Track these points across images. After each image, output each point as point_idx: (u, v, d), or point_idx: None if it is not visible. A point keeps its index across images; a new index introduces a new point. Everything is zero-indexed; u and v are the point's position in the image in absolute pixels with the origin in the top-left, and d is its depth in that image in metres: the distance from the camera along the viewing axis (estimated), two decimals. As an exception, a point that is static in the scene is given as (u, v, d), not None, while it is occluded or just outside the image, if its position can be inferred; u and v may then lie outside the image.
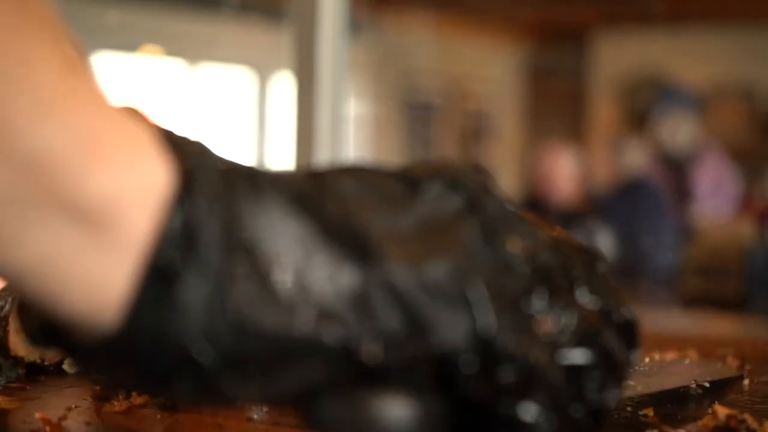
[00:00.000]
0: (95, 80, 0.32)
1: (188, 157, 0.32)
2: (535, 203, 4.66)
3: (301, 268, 0.32)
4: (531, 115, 7.54)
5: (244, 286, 0.31)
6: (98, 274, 0.31)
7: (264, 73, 5.95)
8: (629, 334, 0.38)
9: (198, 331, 0.31)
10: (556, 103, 7.39)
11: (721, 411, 0.51)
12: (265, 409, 0.56)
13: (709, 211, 4.18)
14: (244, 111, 5.99)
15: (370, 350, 0.32)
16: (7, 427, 0.50)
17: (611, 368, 0.37)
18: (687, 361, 0.75)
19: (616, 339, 0.37)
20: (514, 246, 0.36)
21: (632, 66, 6.79)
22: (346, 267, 0.33)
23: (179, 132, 0.34)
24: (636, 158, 4.03)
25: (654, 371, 0.63)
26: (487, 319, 0.33)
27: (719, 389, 0.64)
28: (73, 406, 0.51)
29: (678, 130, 4.08)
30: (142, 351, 0.31)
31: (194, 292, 0.31)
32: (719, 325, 1.46)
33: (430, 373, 0.34)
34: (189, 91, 5.68)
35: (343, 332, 0.32)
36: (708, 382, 0.64)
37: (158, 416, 0.53)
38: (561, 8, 6.27)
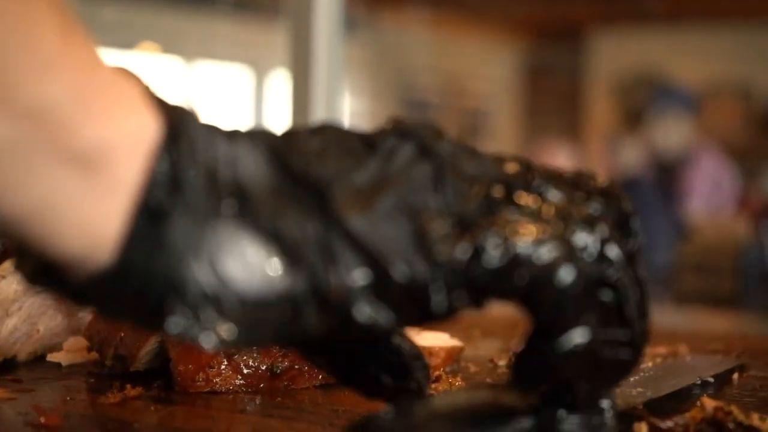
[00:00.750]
0: (91, 41, 0.35)
1: (174, 110, 0.36)
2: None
3: (275, 216, 0.35)
4: (528, 113, 7.54)
5: (225, 227, 0.34)
6: (93, 215, 0.33)
7: (260, 71, 5.95)
8: (623, 215, 0.41)
9: (184, 267, 0.34)
10: (553, 101, 7.39)
11: (709, 403, 0.52)
12: (257, 401, 0.56)
13: (704, 210, 4.18)
14: (241, 108, 5.99)
15: (337, 292, 0.35)
16: (2, 419, 0.50)
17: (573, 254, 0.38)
18: (688, 358, 0.75)
19: (587, 236, 0.39)
20: (462, 180, 0.38)
21: (629, 64, 6.79)
22: (311, 218, 0.36)
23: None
24: (631, 156, 4.03)
25: (659, 374, 0.63)
26: (440, 248, 0.36)
27: (722, 382, 0.65)
28: (68, 398, 0.51)
29: (672, 132, 4.08)
30: (133, 285, 0.34)
31: (181, 231, 0.34)
32: (712, 322, 1.47)
33: (401, 296, 0.36)
34: (186, 88, 5.67)
35: (310, 277, 0.35)
36: (712, 376, 0.64)
37: (152, 408, 0.53)
38: (558, 6, 6.27)
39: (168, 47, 5.44)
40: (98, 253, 0.33)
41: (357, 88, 6.50)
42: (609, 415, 0.45)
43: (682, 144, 4.13)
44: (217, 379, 0.57)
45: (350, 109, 6.52)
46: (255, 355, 0.59)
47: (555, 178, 0.41)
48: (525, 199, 0.39)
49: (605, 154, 4.47)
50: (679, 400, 0.56)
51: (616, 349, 0.40)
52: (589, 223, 0.39)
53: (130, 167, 0.34)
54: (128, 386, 0.56)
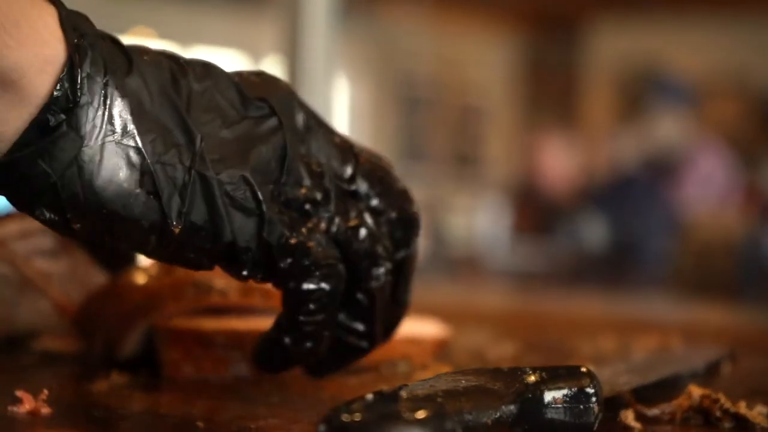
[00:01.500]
0: None
1: (84, 38, 0.43)
2: (529, 191, 4.67)
3: (153, 152, 0.43)
4: (526, 104, 7.54)
5: (107, 149, 0.42)
6: (1, 119, 0.41)
7: (255, 57, 5.94)
8: (407, 226, 0.52)
9: (62, 174, 0.42)
10: (551, 93, 7.39)
11: (696, 391, 0.52)
12: (243, 388, 0.56)
13: (701, 202, 4.18)
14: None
15: (177, 229, 0.44)
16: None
17: (378, 255, 0.50)
18: (679, 349, 0.75)
19: (385, 233, 0.51)
20: (300, 161, 0.48)
21: (628, 56, 6.78)
22: (182, 161, 0.44)
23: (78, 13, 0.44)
24: (628, 148, 4.03)
25: (649, 363, 0.63)
26: (271, 227, 0.46)
27: (712, 372, 0.65)
28: (54, 385, 0.51)
29: (670, 125, 4.08)
30: (16, 178, 0.42)
31: (68, 144, 0.42)
32: (706, 313, 1.47)
33: (223, 256, 0.46)
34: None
35: (160, 210, 0.44)
36: (702, 366, 0.64)
37: (138, 395, 0.53)
38: (556, -2, 6.27)
39: (163, 33, 5.43)
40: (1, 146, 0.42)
41: (355, 78, 6.49)
42: (595, 403, 0.45)
43: (682, 135, 4.13)
44: (204, 367, 0.57)
45: (350, 99, 6.51)
46: (243, 343, 0.59)
47: (373, 191, 0.51)
48: (334, 208, 0.49)
49: (602, 145, 4.46)
50: (666, 388, 0.56)
51: (356, 337, 0.52)
52: (364, 237, 0.50)
53: (35, 87, 0.41)
54: (114, 374, 0.56)
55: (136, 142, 0.43)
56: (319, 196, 0.48)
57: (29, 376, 0.58)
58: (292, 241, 0.47)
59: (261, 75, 0.49)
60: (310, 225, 0.48)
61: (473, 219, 5.69)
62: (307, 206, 0.48)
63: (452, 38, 6.94)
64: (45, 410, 0.47)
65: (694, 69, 6.14)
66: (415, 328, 0.67)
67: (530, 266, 4.16)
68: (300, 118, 0.49)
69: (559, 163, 4.45)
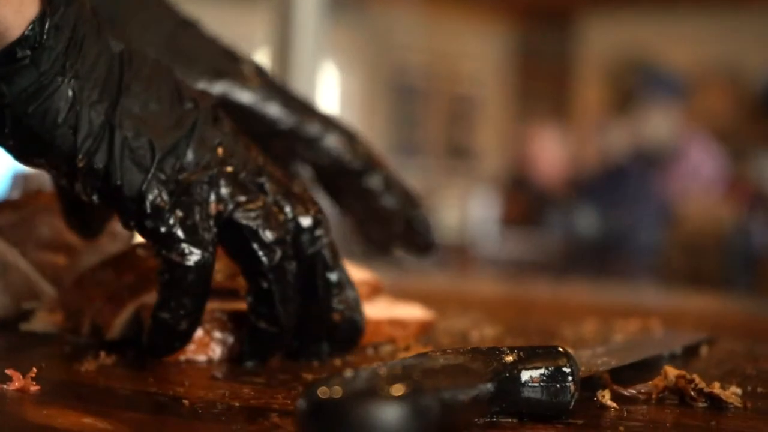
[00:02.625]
0: None
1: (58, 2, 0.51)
2: (520, 181, 4.68)
3: (84, 96, 0.52)
4: (518, 96, 7.54)
5: (51, 87, 0.51)
6: None
7: (246, 48, 5.93)
8: (312, 226, 0.58)
9: (13, 96, 0.50)
10: (543, 84, 7.40)
11: (672, 372, 0.53)
12: (230, 369, 0.57)
13: (691, 193, 4.20)
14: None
15: (81, 163, 0.52)
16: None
17: (269, 239, 0.56)
18: (658, 332, 0.76)
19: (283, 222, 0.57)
20: (204, 144, 0.55)
21: (619, 48, 6.79)
22: (104, 111, 0.53)
23: None
24: (618, 139, 4.05)
25: (627, 345, 0.64)
26: (150, 185, 0.54)
27: (690, 354, 0.66)
28: (43, 365, 0.52)
29: (661, 118, 4.09)
30: None
31: (25, 75, 0.50)
32: (689, 299, 1.48)
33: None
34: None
35: (74, 144, 0.52)
36: (680, 349, 0.65)
37: (127, 375, 0.54)
38: (548, -11, 6.27)
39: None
40: None
41: (346, 69, 6.49)
42: (571, 382, 0.46)
43: (673, 128, 4.14)
44: (191, 347, 0.58)
45: (340, 90, 6.51)
46: (229, 325, 0.60)
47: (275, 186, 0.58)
48: (231, 191, 0.56)
49: (592, 137, 4.48)
50: (643, 369, 0.57)
51: (265, 322, 0.57)
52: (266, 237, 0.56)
53: (14, 29, 0.50)
54: (103, 354, 0.57)
55: (74, 85, 0.52)
56: (210, 177, 0.55)
57: (18, 355, 0.59)
58: (161, 204, 0.54)
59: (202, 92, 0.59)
60: (192, 201, 0.54)
61: (464, 209, 5.70)
62: (203, 187, 0.55)
63: (444, 28, 6.94)
64: (34, 388, 0.48)
65: (685, 62, 6.15)
66: (401, 311, 0.68)
67: (521, 255, 4.17)
68: (221, 116, 0.58)
69: (552, 153, 4.46)
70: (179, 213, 0.54)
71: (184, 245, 0.54)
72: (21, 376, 0.49)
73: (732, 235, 3.88)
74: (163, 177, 0.54)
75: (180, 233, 0.54)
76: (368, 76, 6.84)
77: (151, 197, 0.53)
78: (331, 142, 0.69)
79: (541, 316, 0.88)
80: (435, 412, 0.39)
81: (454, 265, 4.59)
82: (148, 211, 0.54)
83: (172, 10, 0.68)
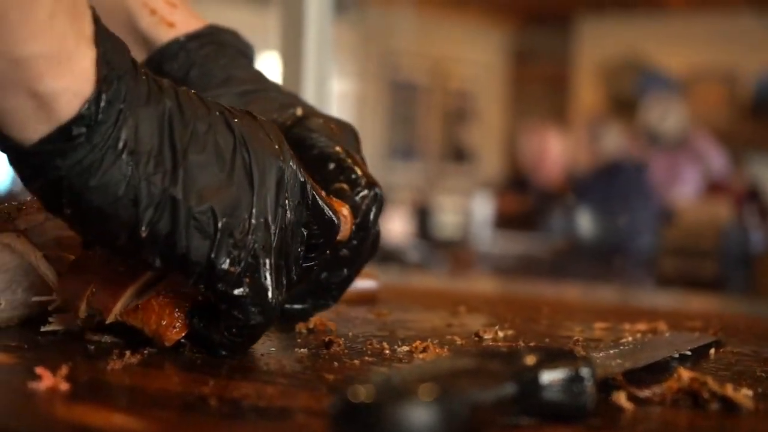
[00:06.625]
0: (76, 13, 0.52)
1: (113, 70, 0.53)
2: (520, 181, 4.69)
3: (141, 169, 0.54)
4: (514, 97, 7.56)
5: (107, 161, 0.53)
6: (36, 122, 0.52)
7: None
8: (326, 230, 0.63)
9: (67, 169, 0.53)
10: (539, 86, 7.41)
11: (685, 374, 0.54)
12: (232, 363, 0.58)
13: (688, 193, 4.21)
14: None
15: (143, 233, 0.55)
16: (7, 382, 0.52)
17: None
18: (667, 335, 0.77)
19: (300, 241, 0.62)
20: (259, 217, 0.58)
21: (615, 50, 6.81)
22: (161, 181, 0.55)
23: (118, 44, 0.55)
24: (613, 141, 4.06)
25: (639, 347, 0.65)
26: (219, 252, 0.57)
27: (699, 357, 0.67)
28: (70, 363, 0.53)
29: (667, 114, 4.10)
30: (37, 165, 0.53)
31: (79, 150, 0.53)
32: (692, 302, 1.50)
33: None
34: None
35: (135, 216, 0.54)
36: (689, 351, 0.67)
37: (152, 373, 0.55)
38: (545, -10, 6.28)
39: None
40: (30, 139, 0.53)
41: (344, 69, 6.49)
42: (589, 384, 0.47)
43: (679, 124, 4.16)
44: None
45: (337, 90, 6.51)
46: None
47: None
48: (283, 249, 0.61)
49: (587, 138, 4.49)
50: (657, 371, 0.59)
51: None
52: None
53: (69, 107, 0.52)
54: (128, 353, 0.58)
55: (131, 159, 0.54)
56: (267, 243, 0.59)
57: (45, 353, 0.60)
58: (232, 269, 0.57)
59: (249, 115, 0.61)
60: (258, 264, 0.58)
61: (462, 210, 5.71)
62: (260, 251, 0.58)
63: (442, 30, 6.94)
64: (64, 386, 0.49)
65: (680, 64, 6.17)
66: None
67: (520, 255, 4.17)
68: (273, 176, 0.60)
69: (553, 155, 4.48)
70: (247, 279, 0.58)
71: (252, 309, 0.59)
72: (51, 375, 0.49)
73: (728, 235, 3.89)
74: (231, 242, 0.57)
75: (249, 298, 0.58)
76: (366, 76, 6.84)
77: (221, 265, 0.57)
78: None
79: (548, 318, 0.89)
80: (464, 414, 0.40)
81: (451, 263, 4.60)
82: (219, 275, 0.57)
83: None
